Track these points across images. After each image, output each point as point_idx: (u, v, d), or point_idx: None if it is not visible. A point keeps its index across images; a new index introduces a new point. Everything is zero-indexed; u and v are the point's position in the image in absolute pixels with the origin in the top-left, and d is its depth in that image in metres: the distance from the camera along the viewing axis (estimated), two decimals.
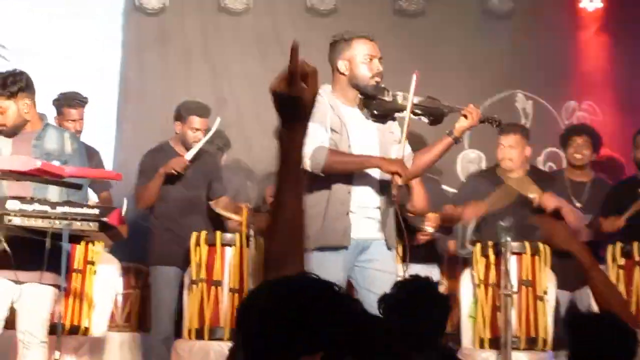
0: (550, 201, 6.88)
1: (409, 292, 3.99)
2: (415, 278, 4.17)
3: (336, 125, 5.28)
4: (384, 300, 3.98)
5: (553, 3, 9.12)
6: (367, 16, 8.65)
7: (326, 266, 4.99)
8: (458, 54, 8.76)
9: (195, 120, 6.97)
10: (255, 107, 8.64)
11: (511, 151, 7.08)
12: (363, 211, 5.34)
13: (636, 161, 7.17)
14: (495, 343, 6.50)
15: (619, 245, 6.66)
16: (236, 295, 6.56)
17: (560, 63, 9.08)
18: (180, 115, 7.02)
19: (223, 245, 6.67)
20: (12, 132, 5.50)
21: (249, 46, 8.84)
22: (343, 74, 5.36)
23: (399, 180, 5.22)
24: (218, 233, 6.70)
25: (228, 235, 6.72)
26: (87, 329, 6.43)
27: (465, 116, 5.37)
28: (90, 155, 6.64)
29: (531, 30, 9.01)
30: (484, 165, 8.35)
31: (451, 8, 9.00)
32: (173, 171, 6.76)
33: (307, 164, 5.10)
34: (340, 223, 5.30)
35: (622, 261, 6.63)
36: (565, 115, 8.98)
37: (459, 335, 6.85)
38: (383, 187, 5.38)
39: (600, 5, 9.08)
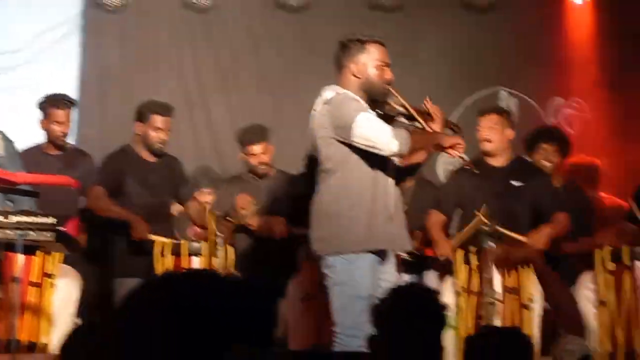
0: (539, 242, 6.89)
1: (405, 301, 4.03)
2: (412, 286, 4.37)
3: None
4: (377, 308, 4.04)
5: None
6: (341, 11, 8.99)
7: (368, 270, 5.38)
8: (437, 50, 8.96)
9: (158, 119, 7.00)
10: (227, 109, 8.89)
11: (490, 132, 7.07)
12: (394, 215, 5.63)
13: None
14: None
15: (607, 249, 6.68)
16: None
17: (546, 58, 9.24)
18: (142, 115, 7.04)
19: (190, 254, 6.67)
20: None
21: (218, 44, 9.01)
22: (356, 76, 5.58)
23: (460, 151, 5.48)
24: (184, 242, 6.73)
25: (195, 244, 6.73)
26: (45, 346, 6.29)
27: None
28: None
29: (515, 24, 9.23)
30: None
31: (430, 2, 9.20)
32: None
33: (395, 144, 5.32)
34: (388, 226, 5.54)
35: (611, 266, 6.65)
36: (551, 112, 9.15)
37: None
38: (396, 193, 5.67)
39: None
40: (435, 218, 7.01)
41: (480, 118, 7.08)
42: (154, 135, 6.98)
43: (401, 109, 5.70)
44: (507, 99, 9.29)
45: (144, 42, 8.86)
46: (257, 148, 7.46)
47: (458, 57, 9.11)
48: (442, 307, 4.05)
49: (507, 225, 6.76)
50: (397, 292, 4.15)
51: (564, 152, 7.59)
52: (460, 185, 7.08)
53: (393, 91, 5.68)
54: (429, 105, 5.75)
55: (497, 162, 7.05)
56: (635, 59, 9.04)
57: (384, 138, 5.36)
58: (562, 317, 6.78)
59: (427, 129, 5.70)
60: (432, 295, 4.14)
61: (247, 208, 7.25)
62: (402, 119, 5.73)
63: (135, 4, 8.84)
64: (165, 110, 7.06)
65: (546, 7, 9.30)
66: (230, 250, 6.70)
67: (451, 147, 5.50)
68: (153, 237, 6.76)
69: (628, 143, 8.40)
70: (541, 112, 9.09)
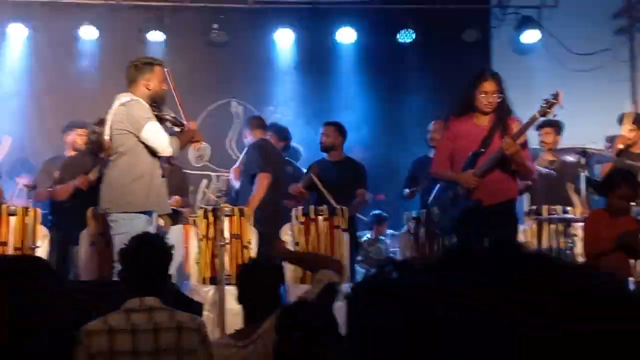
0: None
1: (139, 245, 4.42)
2: (145, 234, 4.80)
3: None
4: (122, 251, 4.41)
5: (254, 37, 11.05)
6: (124, 43, 10.62)
7: (148, 226, 6.26)
8: (188, 72, 10.46)
9: None
10: (53, 111, 10.22)
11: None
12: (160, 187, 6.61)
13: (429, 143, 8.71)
14: (214, 280, 7.37)
15: (300, 208, 8.02)
16: (19, 252, 7.47)
17: (261, 78, 10.97)
18: None
19: (8, 215, 7.61)
20: None
21: (45, 59, 10.49)
22: (147, 88, 6.48)
23: (200, 144, 6.62)
24: (4, 206, 7.71)
25: (12, 207, 7.68)
26: None
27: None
28: None
29: (242, 55, 10.98)
30: (209, 153, 9.08)
31: (181, 39, 10.89)
32: None
33: (170, 151, 6.37)
34: (161, 194, 6.52)
35: (302, 219, 7.92)
36: (266, 116, 10.54)
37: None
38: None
39: (292, 37, 11.03)
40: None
41: None
42: None
43: (169, 115, 6.62)
44: (236, 107, 10.85)
45: None
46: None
47: (202, 77, 10.57)
48: (168, 247, 4.46)
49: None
50: (136, 238, 4.50)
51: (281, 138, 9.21)
52: None
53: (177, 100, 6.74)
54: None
55: None
56: (319, 88, 10.87)
57: (163, 145, 6.32)
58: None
59: (186, 126, 6.68)
60: (160, 239, 4.59)
61: None
62: (169, 120, 6.65)
63: None
64: None
65: (261, 42, 10.96)
66: (38, 212, 7.80)
67: (196, 140, 6.67)
68: None
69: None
70: (262, 116, 10.06)
